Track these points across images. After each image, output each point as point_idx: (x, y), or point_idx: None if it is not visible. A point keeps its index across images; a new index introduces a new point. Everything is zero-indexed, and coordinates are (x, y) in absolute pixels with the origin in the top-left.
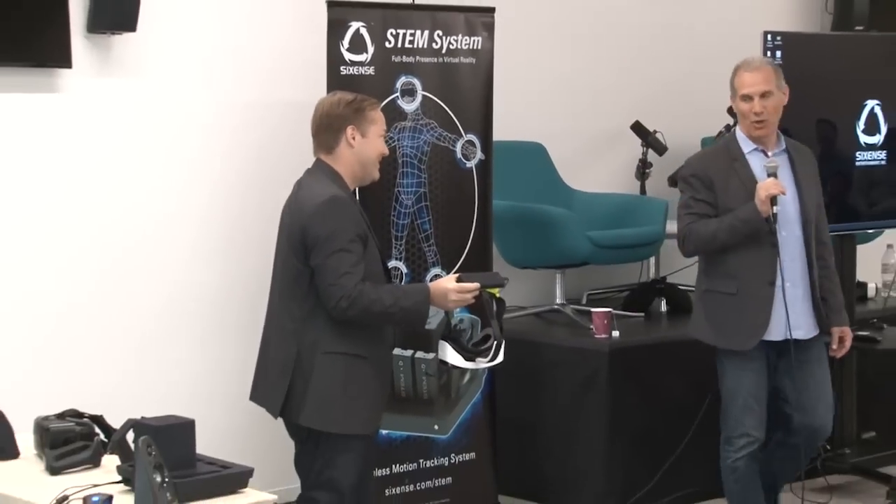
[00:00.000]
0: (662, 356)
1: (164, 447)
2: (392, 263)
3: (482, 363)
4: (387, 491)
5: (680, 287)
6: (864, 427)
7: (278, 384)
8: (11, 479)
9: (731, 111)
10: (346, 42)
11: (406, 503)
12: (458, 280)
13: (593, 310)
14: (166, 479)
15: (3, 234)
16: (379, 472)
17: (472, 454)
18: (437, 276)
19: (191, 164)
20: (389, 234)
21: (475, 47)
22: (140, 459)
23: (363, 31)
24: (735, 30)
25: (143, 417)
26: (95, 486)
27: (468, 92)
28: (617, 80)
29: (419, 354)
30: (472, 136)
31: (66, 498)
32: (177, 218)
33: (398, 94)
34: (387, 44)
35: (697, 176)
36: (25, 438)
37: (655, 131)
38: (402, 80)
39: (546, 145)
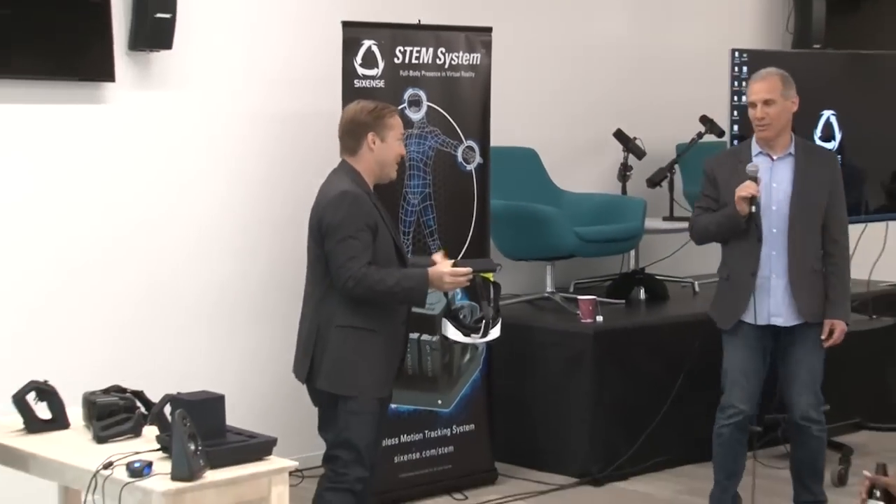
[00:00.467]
0: (641, 338)
1: (197, 419)
2: None
3: (477, 339)
4: (395, 458)
5: (657, 277)
6: None
7: (304, 355)
8: (63, 447)
9: (702, 120)
10: (359, 58)
11: (413, 469)
12: (454, 265)
13: (580, 297)
14: (199, 448)
15: (59, 227)
16: (389, 442)
17: (472, 426)
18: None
19: (220, 166)
20: (398, 230)
21: (474, 63)
22: (176, 430)
23: (374, 49)
24: (706, 48)
25: (178, 393)
26: (137, 453)
27: (468, 103)
28: (601, 92)
29: (424, 337)
30: (471, 143)
31: (111, 463)
32: (208, 215)
33: (406, 104)
34: (395, 60)
35: (706, 174)
36: (75, 411)
37: (635, 138)
38: (409, 92)
39: (538, 150)
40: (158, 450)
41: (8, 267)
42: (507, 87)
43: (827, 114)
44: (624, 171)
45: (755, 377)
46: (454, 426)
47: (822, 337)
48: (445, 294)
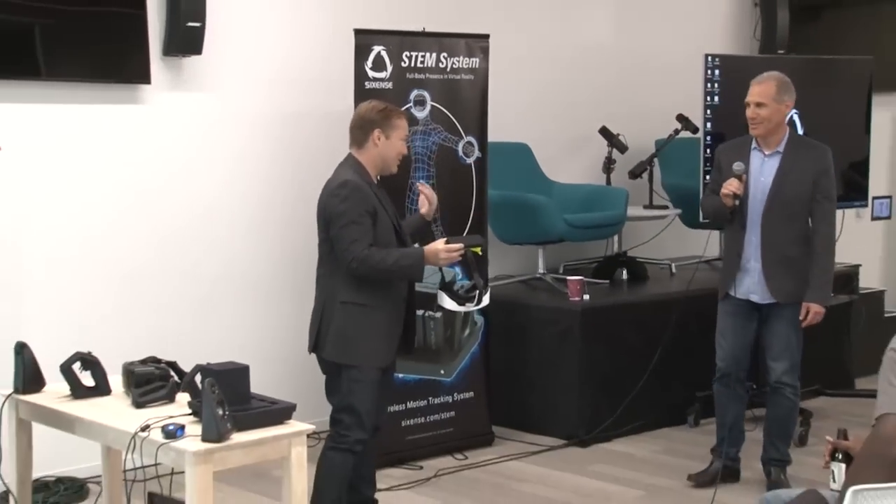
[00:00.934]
0: (624, 315)
1: (224, 387)
2: None
3: (471, 307)
4: (402, 422)
5: (638, 259)
6: None
7: (313, 328)
8: (105, 411)
9: (679, 118)
10: (369, 62)
11: (418, 432)
12: (447, 242)
13: (568, 278)
14: (226, 412)
15: (98, 214)
16: (396, 408)
17: (471, 393)
18: None
19: (246, 160)
20: (397, 215)
21: (473, 66)
22: (206, 396)
23: (383, 54)
24: (682, 53)
25: (208, 363)
26: (171, 417)
27: (468, 102)
28: (587, 93)
29: (428, 313)
30: (471, 138)
31: (148, 426)
32: (235, 204)
33: (412, 104)
34: (402, 63)
35: (715, 159)
36: (115, 380)
37: (618, 134)
38: (415, 92)
39: (530, 145)
40: (190, 414)
41: (59, 254)
42: (503, 88)
43: (790, 112)
44: (608, 164)
45: (734, 340)
46: (455, 394)
47: (800, 318)
48: (441, 270)
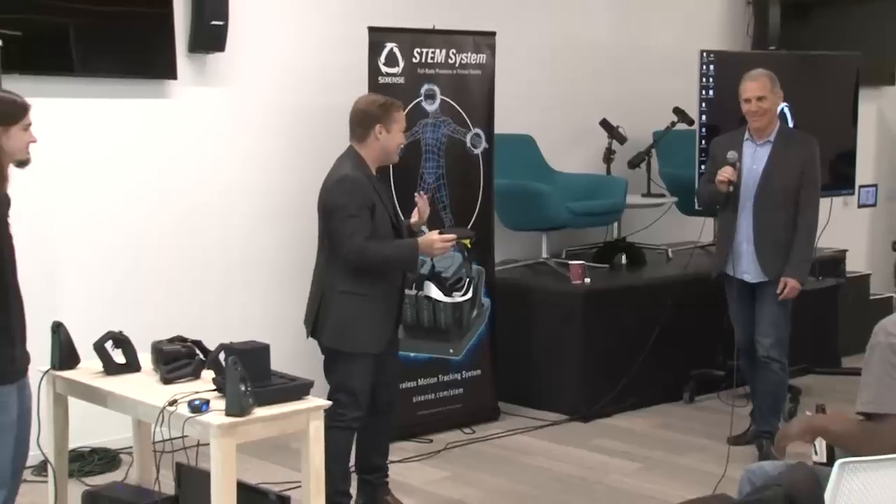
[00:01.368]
0: (623, 298)
1: (247, 364)
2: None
3: (458, 297)
4: (414, 398)
5: (636, 245)
6: None
7: (311, 315)
8: (135, 387)
9: (675, 111)
10: (382, 58)
11: (429, 407)
12: (440, 234)
13: (571, 262)
14: (248, 388)
15: (125, 202)
16: (408, 385)
17: (479, 371)
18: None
19: (265, 150)
20: (396, 208)
21: (481, 62)
22: (229, 373)
23: (396, 50)
24: (679, 49)
25: (231, 342)
26: (196, 392)
27: (475, 96)
28: (589, 87)
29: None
30: (478, 130)
31: (175, 401)
32: (254, 191)
33: (422, 97)
34: (413, 59)
35: (711, 150)
36: (145, 357)
37: (618, 126)
38: (426, 87)
39: (535, 137)
40: (214, 390)
41: (91, 240)
42: (509, 82)
43: (782, 106)
44: (608, 155)
45: (744, 318)
46: (463, 371)
47: (777, 291)
48: (432, 259)
